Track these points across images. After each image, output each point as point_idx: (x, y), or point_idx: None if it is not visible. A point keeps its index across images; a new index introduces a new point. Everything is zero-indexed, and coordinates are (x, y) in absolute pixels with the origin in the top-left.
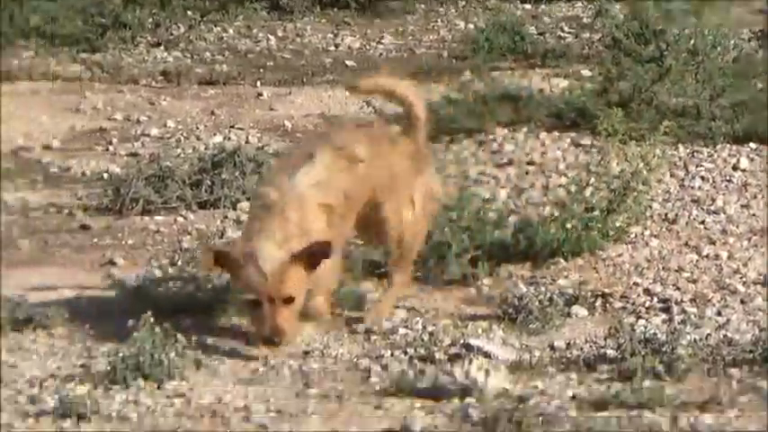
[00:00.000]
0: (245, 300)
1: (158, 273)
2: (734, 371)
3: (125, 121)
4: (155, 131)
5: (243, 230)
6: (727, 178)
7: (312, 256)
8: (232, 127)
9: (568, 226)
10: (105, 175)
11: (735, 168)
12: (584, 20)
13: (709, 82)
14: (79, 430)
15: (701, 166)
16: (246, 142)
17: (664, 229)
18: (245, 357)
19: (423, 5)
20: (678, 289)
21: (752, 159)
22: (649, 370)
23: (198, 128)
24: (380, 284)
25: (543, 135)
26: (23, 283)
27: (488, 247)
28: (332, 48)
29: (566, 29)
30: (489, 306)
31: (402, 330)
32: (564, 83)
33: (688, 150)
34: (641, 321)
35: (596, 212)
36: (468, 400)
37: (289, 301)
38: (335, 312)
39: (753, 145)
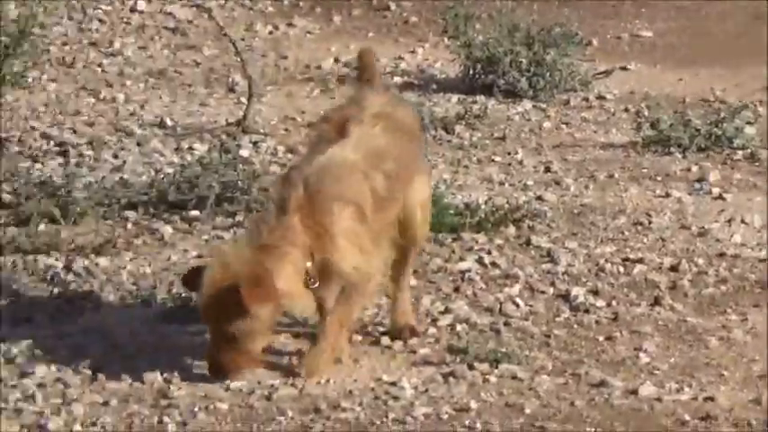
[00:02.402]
0: None
1: None
2: (129, 213)
3: None
4: None
5: None
6: (125, 20)
7: (254, 287)
8: None
9: None
10: None
11: (132, 11)
12: None
13: None
14: None
15: (99, 8)
16: None
17: (61, 73)
18: None
19: None
20: (75, 132)
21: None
22: (45, 214)
23: None
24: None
25: None
26: None
27: None
28: None
29: None
30: None
31: None
32: None
33: None
34: (37, 165)
35: None
36: None
37: (230, 339)
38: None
39: None
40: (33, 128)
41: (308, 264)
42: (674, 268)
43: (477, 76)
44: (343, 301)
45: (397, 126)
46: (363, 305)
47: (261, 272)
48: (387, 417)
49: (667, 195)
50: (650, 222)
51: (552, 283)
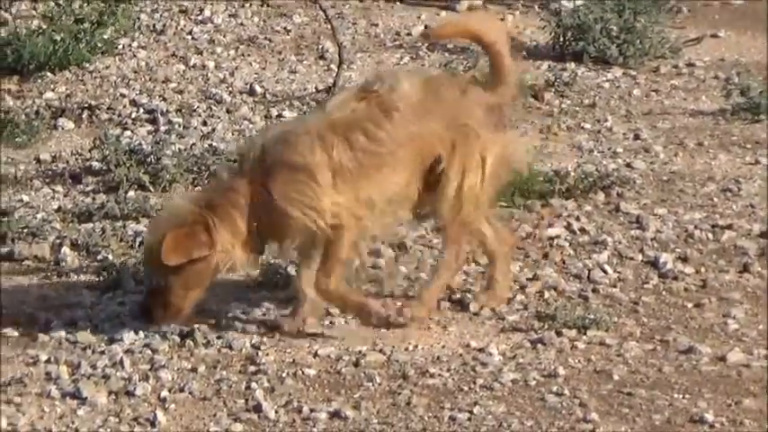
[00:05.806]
0: None
1: None
2: None
3: None
4: None
5: None
6: None
7: (176, 241)
8: None
9: (57, 39)
10: None
11: None
12: None
13: None
14: None
15: None
16: None
17: (152, 40)
18: None
19: None
20: (164, 99)
21: None
22: (134, 181)
23: None
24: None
25: None
26: None
27: None
28: None
29: None
30: None
31: None
32: None
33: None
34: (127, 133)
35: (85, 25)
36: None
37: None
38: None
39: None
40: (123, 95)
41: (255, 224)
42: (763, 235)
43: (567, 43)
44: (324, 260)
45: (399, 108)
46: (345, 257)
47: (188, 228)
48: (474, 383)
49: (756, 162)
50: (739, 189)
51: (641, 250)
